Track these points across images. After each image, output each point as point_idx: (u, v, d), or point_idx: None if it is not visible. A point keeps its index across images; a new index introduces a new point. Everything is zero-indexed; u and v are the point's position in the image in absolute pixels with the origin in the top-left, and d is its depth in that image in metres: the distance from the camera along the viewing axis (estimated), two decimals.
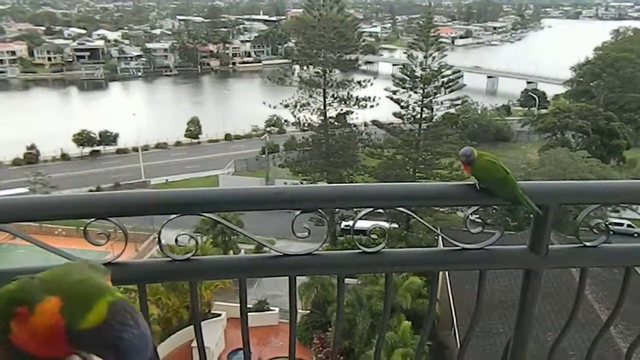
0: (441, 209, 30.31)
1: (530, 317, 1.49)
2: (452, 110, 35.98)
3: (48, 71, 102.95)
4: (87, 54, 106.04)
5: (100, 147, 55.31)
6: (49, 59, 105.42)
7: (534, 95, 68.99)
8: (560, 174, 29.76)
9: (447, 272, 20.15)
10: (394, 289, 19.90)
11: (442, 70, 34.30)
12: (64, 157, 53.52)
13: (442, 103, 34.73)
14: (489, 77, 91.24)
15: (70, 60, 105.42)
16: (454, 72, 35.42)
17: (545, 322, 13.15)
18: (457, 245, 1.34)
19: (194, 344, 15.53)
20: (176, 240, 1.31)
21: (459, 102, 36.43)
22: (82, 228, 1.29)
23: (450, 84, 34.58)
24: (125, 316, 0.72)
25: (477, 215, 1.41)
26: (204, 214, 1.29)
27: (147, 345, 0.74)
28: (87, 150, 54.75)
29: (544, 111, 59.11)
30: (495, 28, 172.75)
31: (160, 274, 1.26)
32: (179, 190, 1.31)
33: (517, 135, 57.37)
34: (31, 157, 51.72)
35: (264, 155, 48.74)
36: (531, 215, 1.37)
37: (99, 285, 0.75)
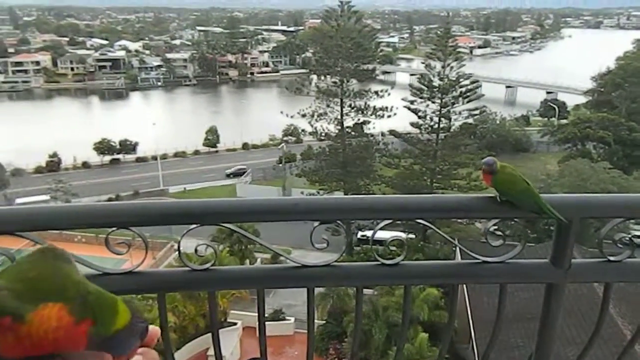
0: (459, 220, 30.00)
1: (552, 332, 1.46)
2: (470, 121, 35.72)
3: (71, 81, 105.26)
4: (108, 64, 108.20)
5: (120, 156, 56.21)
6: (72, 69, 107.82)
7: (554, 105, 68.11)
8: (581, 185, 29.24)
9: (465, 285, 19.89)
10: (411, 300, 19.65)
11: (460, 80, 34.15)
12: (85, 165, 54.50)
13: (460, 113, 34.53)
14: (507, 87, 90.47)
15: (93, 70, 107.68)
16: (472, 82, 35.25)
17: (565, 336, 12.86)
18: (477, 258, 1.32)
19: (210, 352, 15.60)
20: (196, 251, 1.32)
21: (477, 112, 36.19)
22: (102, 236, 1.30)
23: (469, 93, 34.39)
24: (138, 311, 0.77)
25: (496, 227, 1.39)
26: (223, 225, 1.30)
27: None
28: (107, 158, 55.68)
29: (564, 121, 58.35)
30: (514, 38, 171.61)
31: (180, 284, 1.27)
32: (198, 201, 1.32)
33: (536, 146, 56.62)
34: (53, 165, 52.78)
35: (281, 165, 48.96)
36: (552, 228, 1.34)
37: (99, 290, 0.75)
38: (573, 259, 1.38)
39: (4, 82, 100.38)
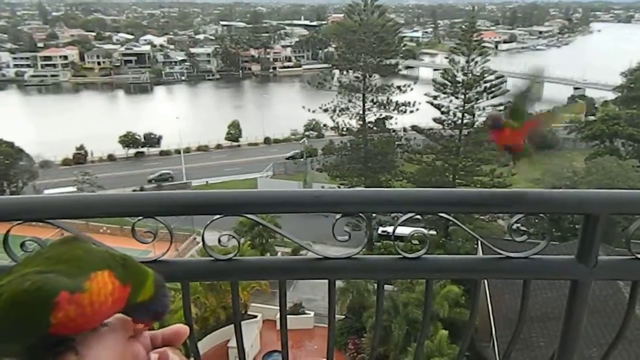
0: (481, 217, 29.63)
1: (576, 331, 1.43)
2: None
3: (97, 75, 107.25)
4: (134, 58, 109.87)
5: (145, 149, 57.13)
6: (99, 63, 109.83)
7: (581, 102, 66.51)
8: (608, 183, 28.54)
9: (486, 282, 19.67)
10: (432, 295, 19.52)
11: (485, 75, 33.59)
12: (111, 157, 55.58)
13: (484, 109, 33.99)
14: None
15: (118, 64, 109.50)
16: (497, 77, 34.64)
17: (588, 336, 12.61)
18: (500, 254, 1.31)
19: (230, 344, 15.79)
20: (219, 241, 1.33)
21: (502, 107, 35.55)
22: (127, 227, 1.33)
23: (493, 89, 33.81)
24: (164, 287, 0.80)
25: (519, 224, 1.37)
26: (246, 215, 1.32)
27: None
28: (132, 151, 56.66)
29: (591, 118, 56.88)
30: (541, 32, 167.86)
31: (204, 273, 1.29)
32: (222, 192, 1.34)
33: (562, 143, 55.39)
34: (80, 157, 53.98)
35: (302, 159, 49.04)
36: (577, 226, 1.32)
37: (132, 261, 0.79)
38: (599, 256, 1.36)
39: (33, 76, 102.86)
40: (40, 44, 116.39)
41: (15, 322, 0.67)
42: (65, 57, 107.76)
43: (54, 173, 47.45)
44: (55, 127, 63.89)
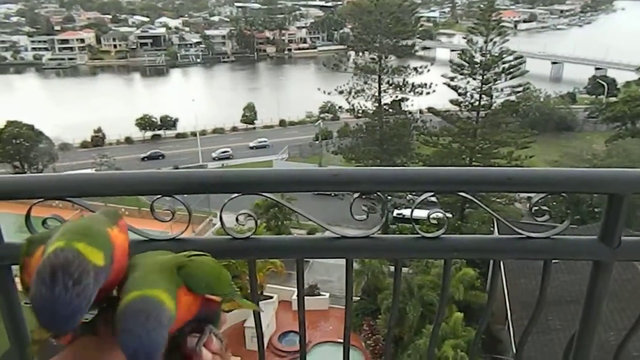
0: (498, 200, 29.39)
1: (598, 313, 1.41)
2: (513, 98, 34.51)
3: (114, 58, 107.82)
4: (149, 41, 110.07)
5: (161, 132, 57.58)
6: (115, 46, 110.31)
7: (603, 82, 64.91)
8: (629, 166, 27.86)
9: (502, 265, 19.58)
10: (450, 275, 19.54)
11: (503, 55, 32.93)
12: (128, 140, 56.17)
13: (502, 90, 33.43)
14: (553, 62, 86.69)
15: (134, 47, 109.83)
16: (515, 58, 33.93)
17: (607, 320, 12.52)
18: (521, 233, 1.29)
19: (247, 324, 16.02)
20: (237, 219, 1.34)
21: (521, 89, 34.91)
22: (145, 209, 1.34)
23: (512, 70, 33.18)
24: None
25: (537, 208, 1.34)
26: (263, 194, 1.31)
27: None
28: (148, 134, 57.16)
29: (613, 99, 55.54)
30: (562, 11, 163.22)
31: (222, 251, 1.29)
32: (239, 170, 1.34)
33: (582, 125, 54.35)
34: (98, 139, 54.66)
35: (317, 142, 48.97)
36: (596, 210, 1.29)
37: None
38: (623, 236, 1.33)
39: (51, 59, 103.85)
40: (57, 27, 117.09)
41: None
42: (82, 40, 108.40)
43: (73, 155, 48.18)
44: (73, 110, 64.66)
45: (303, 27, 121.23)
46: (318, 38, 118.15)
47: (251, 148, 52.19)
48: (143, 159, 49.70)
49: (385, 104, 36.62)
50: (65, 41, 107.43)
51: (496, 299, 19.20)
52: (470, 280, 20.60)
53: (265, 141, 53.50)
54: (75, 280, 0.63)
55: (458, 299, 19.69)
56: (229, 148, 51.51)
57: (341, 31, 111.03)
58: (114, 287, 0.75)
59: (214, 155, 50.07)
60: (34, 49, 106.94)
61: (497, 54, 32.85)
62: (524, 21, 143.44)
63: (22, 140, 43.03)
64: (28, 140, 43.32)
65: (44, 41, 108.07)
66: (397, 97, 36.65)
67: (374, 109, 36.56)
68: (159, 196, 1.28)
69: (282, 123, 61.05)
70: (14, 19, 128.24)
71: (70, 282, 0.63)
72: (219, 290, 0.79)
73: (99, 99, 74.18)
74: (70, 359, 0.70)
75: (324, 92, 38.77)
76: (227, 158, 50.14)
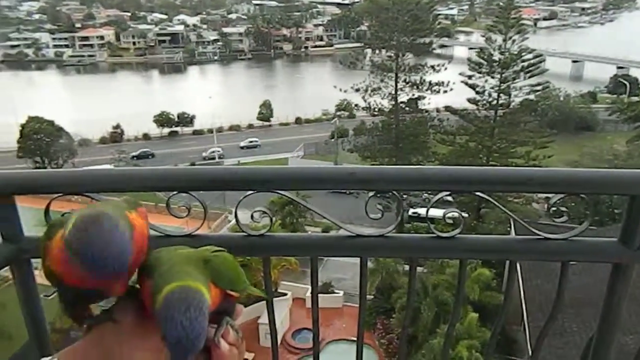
0: (516, 200, 29.04)
1: (617, 316, 1.39)
2: (532, 97, 34.04)
3: (132, 55, 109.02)
4: (168, 38, 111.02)
5: (178, 128, 58.11)
6: (134, 43, 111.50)
7: (625, 82, 63.59)
8: None
9: (518, 265, 19.34)
10: (466, 275, 19.37)
11: (523, 54, 32.48)
12: (145, 136, 56.79)
13: (520, 89, 32.99)
14: (574, 61, 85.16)
15: (153, 44, 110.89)
16: (535, 56, 33.44)
17: (625, 323, 12.29)
18: (538, 234, 1.27)
19: (261, 320, 16.09)
20: (252, 216, 1.34)
21: (540, 87, 34.40)
22: (161, 205, 1.35)
23: (531, 68, 32.72)
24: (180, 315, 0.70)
25: (555, 209, 1.32)
26: (278, 191, 1.32)
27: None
28: (166, 130, 57.73)
29: (635, 99, 54.34)
30: (583, 9, 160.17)
31: (236, 248, 1.30)
32: (255, 168, 1.34)
33: (603, 125, 53.34)
34: (116, 136, 55.39)
35: (333, 140, 48.94)
36: (616, 211, 1.26)
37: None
38: None
39: (71, 56, 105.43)
40: (78, 25, 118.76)
41: None
42: (102, 38, 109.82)
43: (92, 151, 48.92)
44: (92, 107, 65.57)
45: (320, 25, 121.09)
46: (335, 36, 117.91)
47: (242, 148, 51.57)
48: (132, 157, 48.54)
49: (401, 102, 36.43)
50: (86, 38, 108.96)
51: (512, 299, 19.03)
52: (486, 281, 20.39)
53: (256, 141, 53.23)
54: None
55: (473, 299, 19.52)
56: (220, 148, 50.64)
57: (358, 29, 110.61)
58: (132, 272, 0.75)
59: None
60: (55, 46, 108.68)
61: (516, 52, 32.43)
62: (544, 19, 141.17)
63: (42, 136, 43.81)
64: (49, 136, 44.10)
65: (65, 38, 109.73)
66: (413, 95, 36.44)
67: (391, 107, 36.39)
68: (175, 192, 1.29)
69: (298, 121, 61.12)
70: (36, 16, 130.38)
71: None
72: (238, 286, 0.81)
73: (117, 95, 75.14)
74: (89, 346, 0.71)
75: (340, 90, 38.72)
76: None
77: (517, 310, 18.41)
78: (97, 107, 64.80)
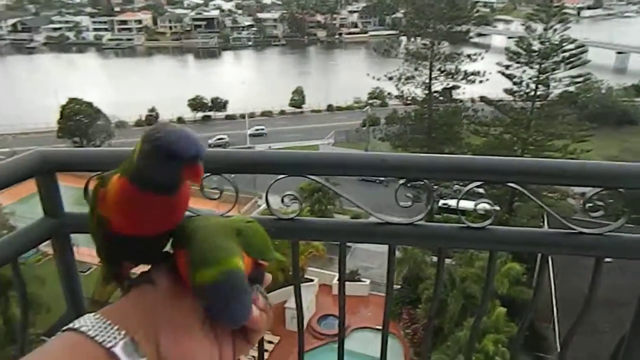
0: (550, 194, 28.32)
1: None
2: (572, 89, 32.86)
3: (169, 39, 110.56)
4: (203, 23, 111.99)
5: (211, 113, 58.80)
6: (170, 27, 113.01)
7: None
8: None
9: (550, 262, 18.93)
10: (495, 267, 19.09)
11: (564, 44, 31.32)
12: (180, 120, 57.68)
13: (560, 80, 31.89)
14: (618, 52, 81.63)
15: (189, 29, 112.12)
16: (577, 47, 32.21)
17: None
18: (573, 228, 1.24)
19: (287, 304, 16.30)
20: (282, 200, 1.36)
21: (581, 79, 33.17)
22: (194, 187, 1.37)
23: (572, 59, 31.53)
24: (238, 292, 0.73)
25: (591, 204, 1.29)
26: (309, 176, 1.33)
27: None
28: (199, 115, 58.51)
29: None
30: None
31: (267, 230, 1.32)
32: (287, 152, 1.35)
33: None
34: (151, 119, 56.44)
35: (364, 128, 48.64)
36: None
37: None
38: None
39: (110, 40, 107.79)
40: (117, 9, 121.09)
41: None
42: (140, 22, 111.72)
43: (128, 133, 50.03)
44: (129, 89, 67.01)
45: (355, 12, 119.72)
46: (369, 22, 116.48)
47: (250, 136, 50.48)
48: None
49: (435, 92, 35.81)
50: (124, 22, 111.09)
51: (543, 295, 18.66)
52: (516, 275, 20.06)
53: (262, 129, 52.75)
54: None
55: (502, 294, 19.25)
56: (226, 135, 50.34)
57: (393, 16, 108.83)
58: (171, 227, 0.78)
59: (209, 142, 48.21)
60: (95, 29, 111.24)
61: (557, 42, 31.30)
62: (589, 7, 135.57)
63: (81, 117, 45.13)
64: (87, 117, 45.40)
65: (104, 22, 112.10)
66: (448, 84, 35.75)
67: (424, 96, 35.83)
68: (207, 174, 1.32)
69: (330, 108, 60.92)
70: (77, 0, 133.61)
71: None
72: (267, 255, 0.83)
73: (153, 79, 76.53)
74: (129, 304, 0.74)
75: (373, 77, 38.31)
76: (219, 146, 47.61)
77: (548, 308, 18.08)
78: (134, 90, 66.20)
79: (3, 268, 1.39)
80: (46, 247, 1.51)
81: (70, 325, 0.67)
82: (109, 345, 0.65)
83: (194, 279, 0.71)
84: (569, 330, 1.47)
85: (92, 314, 0.69)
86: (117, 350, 0.65)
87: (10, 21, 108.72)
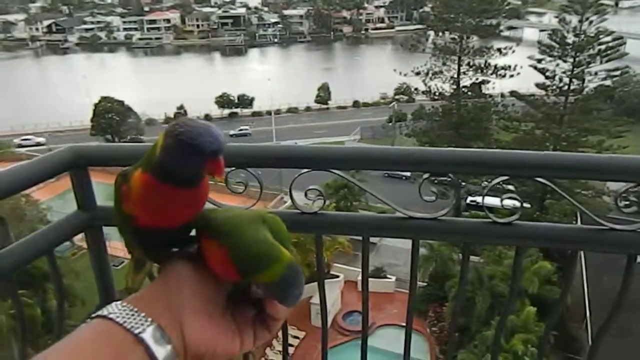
0: (584, 192, 27.56)
1: None
2: (608, 82, 31.78)
3: (196, 38, 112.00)
4: (230, 21, 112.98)
5: (238, 110, 59.38)
6: (198, 26, 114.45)
7: None
8: None
9: (583, 262, 18.44)
10: (522, 263, 18.72)
11: (600, 36, 30.29)
12: (207, 117, 58.44)
13: (596, 74, 30.88)
14: None
15: (216, 27, 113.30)
16: (614, 39, 31.10)
17: None
18: (604, 224, 1.21)
19: (313, 300, 16.37)
20: (305, 194, 1.37)
21: (618, 73, 32.05)
22: (220, 183, 1.40)
23: (609, 52, 30.48)
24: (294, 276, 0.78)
25: (627, 201, 1.25)
26: (333, 171, 1.33)
27: None
28: (226, 112, 59.18)
29: None
30: None
31: (290, 225, 1.32)
32: (310, 146, 1.36)
33: None
34: (180, 116, 57.17)
35: (390, 124, 48.29)
36: None
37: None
38: None
39: (140, 39, 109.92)
40: (146, 8, 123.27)
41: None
42: (168, 21, 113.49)
43: (158, 130, 50.53)
44: (158, 88, 68.26)
45: (381, 7, 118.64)
46: (396, 17, 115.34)
47: (231, 136, 50.34)
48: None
49: (464, 87, 35.25)
50: (153, 21, 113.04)
51: (574, 295, 18.19)
52: (546, 275, 19.64)
53: (246, 129, 52.77)
54: None
55: (532, 293, 18.88)
56: (247, 126, 50.97)
57: (421, 10, 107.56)
58: (192, 218, 0.80)
59: (231, 132, 49.46)
60: (125, 29, 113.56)
61: (592, 35, 30.30)
62: None
63: (113, 115, 46.30)
64: (118, 115, 46.54)
65: (134, 22, 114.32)
66: (477, 79, 35.14)
67: (452, 91, 35.31)
68: (232, 169, 1.34)
69: (356, 104, 60.70)
70: (109, 0, 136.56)
71: None
72: (288, 243, 0.85)
73: (182, 77, 77.70)
74: (154, 291, 0.76)
75: (400, 73, 37.96)
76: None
77: (580, 308, 17.64)
78: (163, 88, 67.39)
79: (41, 261, 1.44)
80: (81, 241, 1.56)
81: (99, 312, 0.70)
82: (137, 331, 0.67)
83: (254, 278, 0.74)
84: (598, 330, 1.43)
85: (119, 302, 0.72)
86: (146, 335, 0.67)
87: (46, 22, 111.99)
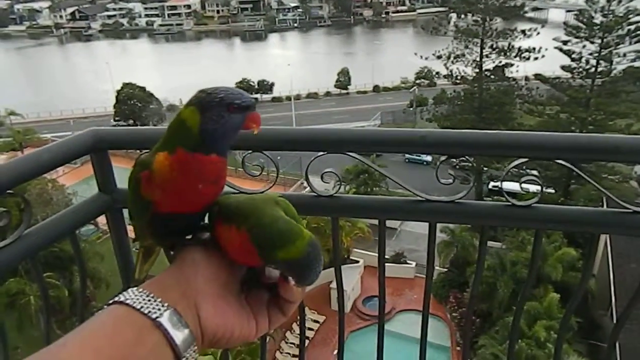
0: (610, 176, 26.93)
1: None
2: (638, 64, 30.78)
3: (216, 23, 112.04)
4: (249, 6, 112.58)
5: (258, 95, 59.44)
6: (218, 11, 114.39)
7: None
8: None
9: (609, 247, 18.07)
10: (543, 258, 18.53)
11: (630, 15, 29.27)
12: None
13: (624, 55, 29.90)
14: None
15: (235, 12, 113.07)
16: None
17: None
18: (627, 208, 1.18)
19: (333, 285, 16.46)
20: (322, 177, 1.37)
21: None
22: (240, 169, 1.40)
23: (639, 32, 29.47)
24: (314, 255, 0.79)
25: None
26: (349, 154, 1.32)
27: None
28: None
29: None
30: None
31: (306, 207, 1.33)
32: (327, 129, 1.36)
33: None
34: None
35: (411, 109, 47.76)
36: None
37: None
38: None
39: (161, 25, 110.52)
40: None
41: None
42: (189, 7, 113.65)
43: None
44: (179, 73, 68.69)
45: None
46: (417, 0, 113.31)
47: None
48: None
49: (486, 70, 34.51)
50: (174, 7, 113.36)
51: (600, 282, 17.87)
52: (571, 261, 19.33)
53: None
54: None
55: (555, 279, 18.63)
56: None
57: None
58: (213, 200, 0.81)
59: None
60: (146, 15, 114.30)
61: (621, 14, 29.28)
62: None
63: (135, 101, 46.87)
64: (140, 101, 47.09)
65: (156, 8, 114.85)
66: (500, 62, 34.35)
67: (474, 75, 34.62)
68: (249, 152, 1.34)
69: (376, 89, 60.12)
70: None
71: None
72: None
73: (202, 63, 77.98)
74: (169, 276, 0.77)
75: (421, 57, 37.39)
76: None
77: (605, 295, 17.35)
78: (184, 74, 67.77)
79: (67, 244, 1.48)
80: (105, 225, 1.60)
81: (116, 298, 0.71)
82: (154, 316, 0.68)
83: (276, 256, 0.74)
84: (620, 314, 1.41)
85: (135, 288, 0.73)
86: (163, 320, 0.68)
87: (69, 10, 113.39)
